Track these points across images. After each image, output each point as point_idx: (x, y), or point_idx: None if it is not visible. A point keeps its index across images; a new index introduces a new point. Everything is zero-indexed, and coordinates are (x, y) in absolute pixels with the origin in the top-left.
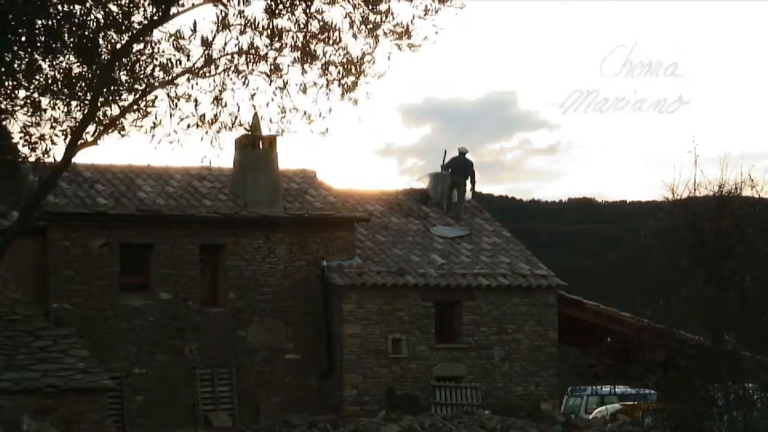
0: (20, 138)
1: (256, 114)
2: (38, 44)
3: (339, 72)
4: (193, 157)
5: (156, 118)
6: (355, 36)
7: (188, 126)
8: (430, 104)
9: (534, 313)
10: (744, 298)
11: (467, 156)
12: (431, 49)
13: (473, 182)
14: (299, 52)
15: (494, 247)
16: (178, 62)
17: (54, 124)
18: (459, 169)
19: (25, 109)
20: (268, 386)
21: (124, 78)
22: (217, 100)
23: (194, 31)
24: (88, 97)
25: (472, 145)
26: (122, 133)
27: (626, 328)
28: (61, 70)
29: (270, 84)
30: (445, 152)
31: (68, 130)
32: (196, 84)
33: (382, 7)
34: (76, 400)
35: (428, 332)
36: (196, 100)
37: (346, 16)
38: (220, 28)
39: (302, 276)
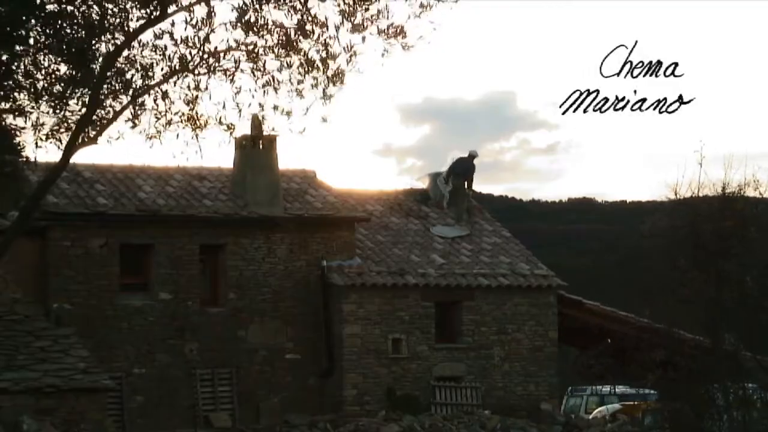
0: (19, 138)
1: (256, 115)
2: (32, 45)
3: (319, 68)
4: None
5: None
6: (337, 28)
7: (168, 123)
8: (429, 104)
9: (534, 313)
10: (743, 298)
11: (474, 160)
12: (430, 48)
13: (470, 184)
14: (284, 47)
15: (494, 247)
16: (169, 64)
17: (55, 126)
18: (460, 169)
19: (24, 110)
20: (268, 386)
21: (116, 78)
22: (194, 100)
23: (172, 35)
24: (85, 99)
25: (472, 145)
26: (109, 140)
27: (626, 327)
28: (55, 72)
29: (256, 81)
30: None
31: (66, 130)
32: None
33: (375, 6)
34: (76, 400)
35: (428, 332)
36: (193, 100)
37: (342, 15)
38: (209, 26)
39: (302, 276)
